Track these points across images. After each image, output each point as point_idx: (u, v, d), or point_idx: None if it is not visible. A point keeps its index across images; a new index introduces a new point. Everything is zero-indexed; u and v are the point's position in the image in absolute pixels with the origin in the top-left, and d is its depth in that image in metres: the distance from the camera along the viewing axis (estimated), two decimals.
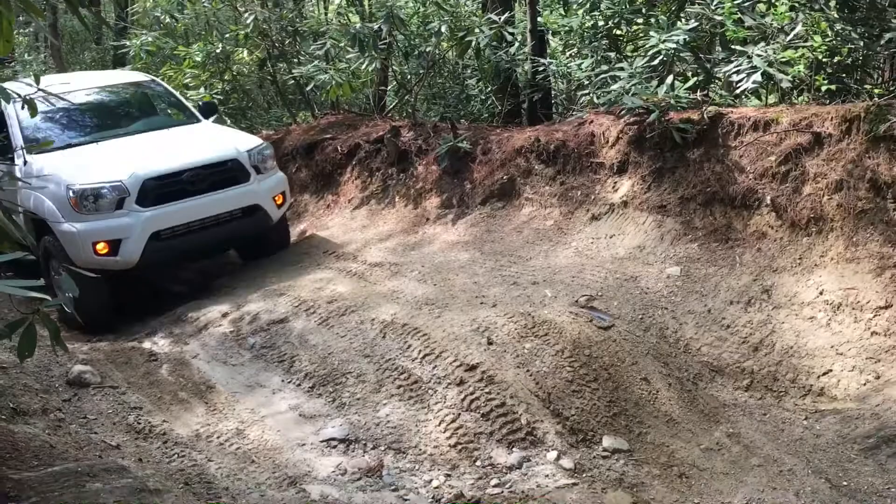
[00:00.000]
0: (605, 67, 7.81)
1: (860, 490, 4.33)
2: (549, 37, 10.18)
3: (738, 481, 4.49)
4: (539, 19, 9.44)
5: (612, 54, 8.22)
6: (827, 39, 6.95)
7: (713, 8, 7.31)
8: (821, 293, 5.57)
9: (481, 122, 10.17)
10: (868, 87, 7.53)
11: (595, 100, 7.91)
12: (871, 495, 4.28)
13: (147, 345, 6.64)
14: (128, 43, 11.98)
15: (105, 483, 3.82)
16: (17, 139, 7.48)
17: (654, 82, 7.14)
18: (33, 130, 7.68)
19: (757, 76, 6.56)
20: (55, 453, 4.27)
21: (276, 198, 7.76)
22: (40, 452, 4.18)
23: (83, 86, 8.38)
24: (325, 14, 12.57)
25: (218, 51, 11.17)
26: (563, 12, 9.30)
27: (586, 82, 8.65)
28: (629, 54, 8.31)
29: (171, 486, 4.38)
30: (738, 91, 7.11)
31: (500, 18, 9.07)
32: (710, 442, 4.81)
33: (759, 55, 6.60)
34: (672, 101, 6.81)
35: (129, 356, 6.27)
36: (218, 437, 5.10)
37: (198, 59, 11.12)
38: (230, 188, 7.35)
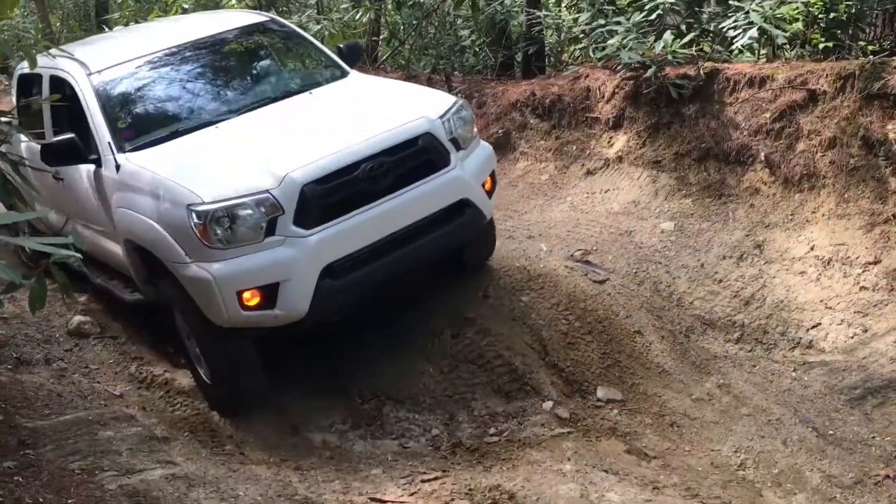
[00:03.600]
0: (601, 21, 7.78)
1: (846, 439, 4.49)
2: None
3: (728, 430, 4.64)
4: None
5: (609, 8, 8.18)
6: None
7: None
8: (812, 248, 5.69)
9: (475, 75, 10.13)
10: (862, 43, 7.55)
11: (591, 54, 7.89)
12: (856, 444, 4.44)
13: None
14: None
15: (116, 431, 3.93)
16: (103, 132, 5.06)
17: (651, 37, 7.14)
18: (123, 116, 5.26)
19: (753, 32, 6.57)
20: (63, 402, 4.38)
21: (485, 182, 5.16)
22: (50, 401, 4.28)
23: (183, 39, 5.78)
24: None
25: None
26: None
27: (581, 36, 8.61)
28: (625, 8, 8.27)
29: (177, 434, 4.50)
30: (733, 46, 7.13)
31: None
32: (701, 392, 4.96)
33: (755, 10, 6.60)
34: (669, 57, 6.82)
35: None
36: None
37: (187, 5, 10.96)
38: (425, 180, 4.78)
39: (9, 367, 4.86)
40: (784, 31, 6.54)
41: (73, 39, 15.49)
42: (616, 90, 7.39)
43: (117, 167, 4.89)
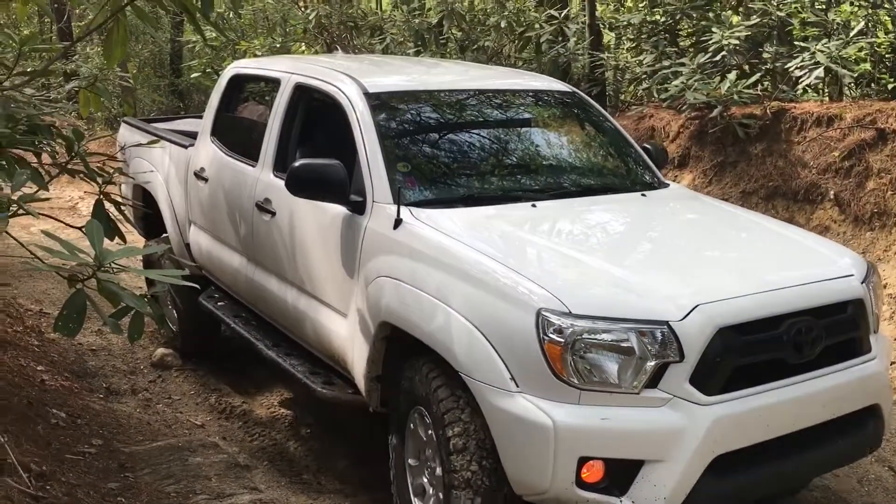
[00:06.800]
0: (666, 62, 7.91)
1: None
2: (604, 30, 10.32)
3: None
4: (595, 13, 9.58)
5: (671, 49, 8.32)
6: (889, 35, 6.99)
7: (775, 4, 7.38)
8: (885, 287, 5.65)
9: None
10: None
11: (655, 94, 8.02)
12: None
13: None
14: (193, 38, 12.36)
15: (204, 458, 4.11)
16: (378, 172, 3.80)
17: (716, 78, 7.24)
18: (404, 158, 4.02)
19: (819, 72, 6.65)
20: (153, 430, 4.58)
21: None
22: (140, 429, 4.49)
23: (475, 84, 4.83)
24: (380, 9, 12.81)
25: (278, 45, 11.48)
26: (619, 7, 9.43)
27: (644, 77, 8.75)
28: (688, 49, 8.40)
29: (257, 462, 4.66)
30: (798, 86, 7.18)
31: (559, 14, 9.24)
32: None
33: (821, 51, 6.67)
34: (734, 97, 6.91)
35: None
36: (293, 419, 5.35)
37: (258, 53, 11.44)
38: (846, 364, 3.32)
39: (100, 396, 5.11)
40: (851, 71, 6.60)
41: (149, 87, 16.27)
42: (681, 130, 7.49)
43: (396, 223, 3.56)
